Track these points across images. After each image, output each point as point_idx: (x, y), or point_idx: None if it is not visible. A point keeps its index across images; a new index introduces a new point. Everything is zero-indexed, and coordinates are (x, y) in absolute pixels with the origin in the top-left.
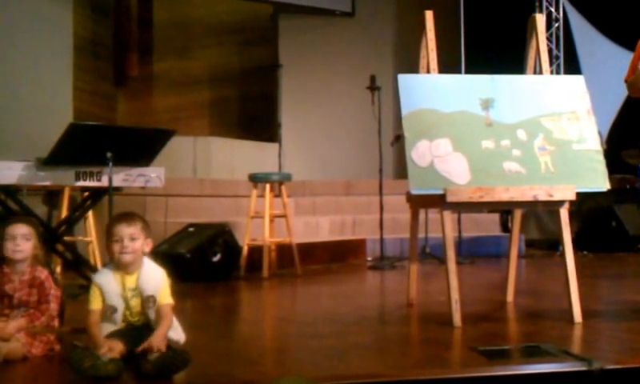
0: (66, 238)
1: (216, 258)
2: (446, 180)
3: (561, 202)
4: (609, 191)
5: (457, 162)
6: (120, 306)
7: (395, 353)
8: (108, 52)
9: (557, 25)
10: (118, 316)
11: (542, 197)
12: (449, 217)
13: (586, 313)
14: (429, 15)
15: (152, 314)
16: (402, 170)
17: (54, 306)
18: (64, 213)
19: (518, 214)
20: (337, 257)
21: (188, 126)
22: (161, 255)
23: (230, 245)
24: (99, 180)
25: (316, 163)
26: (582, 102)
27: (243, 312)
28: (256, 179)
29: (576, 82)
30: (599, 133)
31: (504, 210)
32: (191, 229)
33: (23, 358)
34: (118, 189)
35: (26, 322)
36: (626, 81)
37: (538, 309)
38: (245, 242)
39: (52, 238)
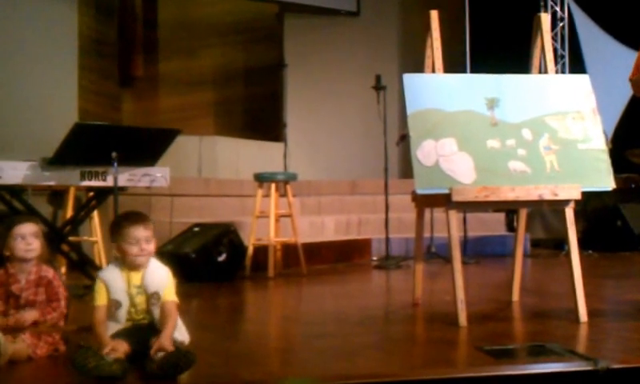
0: (71, 238)
1: (221, 258)
2: (452, 179)
3: (566, 202)
4: (614, 190)
5: (462, 162)
6: (125, 301)
7: (401, 352)
8: (113, 52)
9: (562, 24)
10: (123, 313)
11: (548, 196)
12: (454, 216)
13: (591, 312)
14: (434, 15)
15: (156, 312)
16: (407, 169)
17: (63, 304)
18: (69, 213)
19: (523, 213)
20: (342, 256)
21: (193, 125)
22: (166, 255)
23: (236, 244)
24: (104, 180)
25: (321, 163)
26: (587, 102)
27: (249, 312)
28: (261, 179)
29: (581, 81)
30: (604, 132)
31: (509, 209)
32: (196, 229)
33: (28, 358)
34: (123, 189)
35: (39, 315)
36: (630, 79)
37: (543, 308)
38: (250, 242)
39: (57, 238)
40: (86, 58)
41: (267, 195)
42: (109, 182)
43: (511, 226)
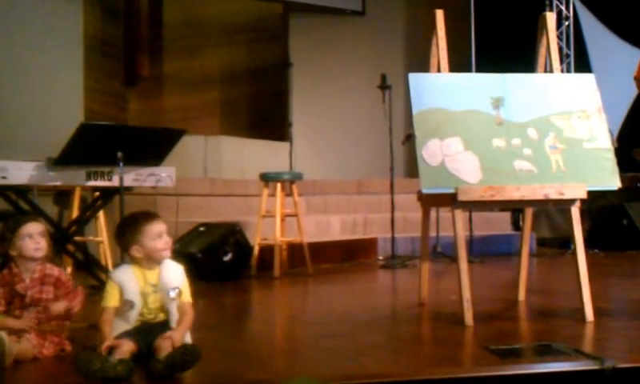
0: (77, 239)
1: (227, 258)
2: (457, 179)
3: (572, 201)
4: (620, 189)
5: (468, 161)
6: (138, 302)
7: (407, 352)
8: (118, 52)
9: (567, 23)
10: (135, 313)
11: (553, 195)
12: (460, 215)
13: (597, 311)
14: (439, 14)
15: (174, 308)
16: (413, 168)
17: (80, 290)
18: (75, 213)
19: (529, 212)
20: (348, 256)
21: (198, 125)
22: (172, 255)
23: (241, 244)
24: (110, 180)
25: (327, 162)
26: (592, 101)
27: (254, 312)
28: (267, 178)
29: (586, 80)
30: (610, 131)
31: (515, 208)
32: (202, 228)
33: (34, 358)
34: (128, 188)
35: (69, 301)
36: (635, 78)
37: (549, 307)
38: (256, 242)
39: (63, 238)
40: (92, 58)
41: (273, 195)
42: (114, 181)
43: (517, 225)
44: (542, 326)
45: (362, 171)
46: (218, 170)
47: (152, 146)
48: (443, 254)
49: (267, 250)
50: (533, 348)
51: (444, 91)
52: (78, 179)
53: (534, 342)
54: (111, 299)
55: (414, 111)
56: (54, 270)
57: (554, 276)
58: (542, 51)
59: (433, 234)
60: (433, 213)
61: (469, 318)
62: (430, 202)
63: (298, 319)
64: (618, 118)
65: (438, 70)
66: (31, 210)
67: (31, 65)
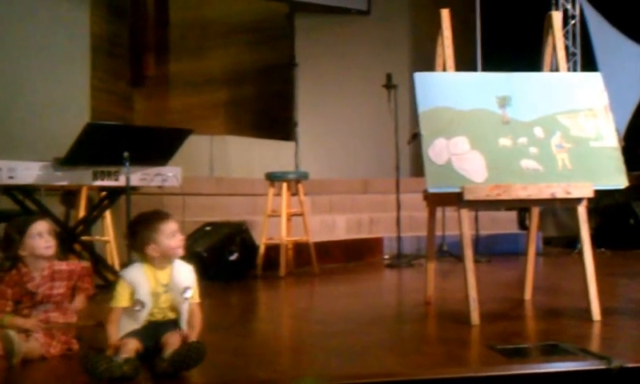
0: (84, 238)
1: (233, 257)
2: (464, 178)
3: (579, 200)
4: (626, 188)
5: (474, 160)
6: (149, 302)
7: (413, 351)
8: (125, 52)
9: (573, 22)
10: (144, 313)
11: (560, 194)
12: (466, 215)
13: (604, 311)
14: (445, 13)
15: (185, 308)
16: (418, 168)
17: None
18: (81, 213)
19: (535, 211)
20: (354, 255)
21: (204, 125)
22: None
23: (247, 243)
24: (116, 180)
25: (332, 161)
26: (599, 99)
27: (260, 311)
28: (273, 178)
29: (593, 78)
30: (616, 130)
31: (521, 207)
32: (208, 228)
33: (41, 357)
34: (135, 188)
35: (86, 295)
36: None
37: (556, 307)
38: (262, 241)
39: (70, 237)
40: (98, 58)
41: (279, 194)
42: (121, 181)
43: (523, 224)
44: (548, 325)
45: (368, 170)
46: (223, 170)
47: (158, 146)
48: (449, 253)
49: (273, 250)
50: (539, 347)
51: (450, 90)
52: (85, 179)
53: (540, 341)
54: (121, 300)
55: (420, 110)
56: (61, 265)
57: (561, 275)
58: (549, 50)
59: (439, 233)
60: (439, 212)
61: (475, 317)
62: (435, 201)
63: (303, 318)
64: (625, 116)
65: (444, 69)
66: (38, 209)
67: (37, 65)
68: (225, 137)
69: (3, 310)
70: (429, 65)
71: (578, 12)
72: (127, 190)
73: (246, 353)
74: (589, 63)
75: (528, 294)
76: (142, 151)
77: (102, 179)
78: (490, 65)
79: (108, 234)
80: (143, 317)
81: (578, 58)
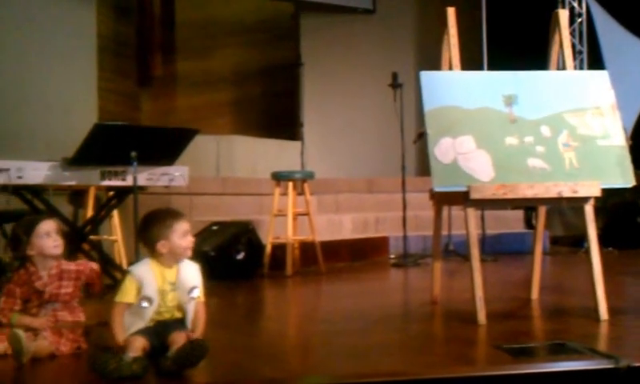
0: (92, 238)
1: (240, 256)
2: (470, 177)
3: (586, 199)
4: (634, 187)
5: (480, 159)
6: (156, 300)
7: (419, 351)
8: (131, 52)
9: (580, 20)
10: (151, 311)
11: (567, 193)
12: (472, 214)
13: (612, 310)
14: (451, 12)
15: (191, 308)
16: (424, 167)
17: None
18: (89, 212)
19: (542, 210)
20: (360, 254)
21: (211, 124)
22: None
23: (254, 243)
24: (124, 179)
25: (338, 161)
26: (606, 98)
27: (267, 310)
28: (279, 177)
29: (600, 77)
30: (624, 128)
31: (528, 206)
32: (215, 227)
33: (50, 356)
34: (142, 188)
35: (93, 287)
36: None
37: (563, 306)
38: (268, 240)
39: (78, 237)
40: (105, 58)
41: (285, 194)
42: (128, 181)
43: (530, 224)
44: (555, 324)
45: (374, 170)
46: (230, 170)
47: (165, 146)
48: (455, 252)
49: (279, 249)
50: (546, 347)
51: (456, 89)
52: (93, 179)
53: (547, 340)
54: (127, 295)
55: (426, 109)
56: (70, 265)
57: (568, 274)
58: (555, 48)
59: (445, 232)
60: (445, 211)
61: (481, 316)
62: (442, 200)
63: (310, 317)
64: (632, 114)
65: (450, 68)
66: (46, 209)
67: (44, 66)
68: (231, 136)
69: (12, 308)
70: (435, 63)
71: (584, 10)
72: (135, 190)
73: (253, 352)
74: (595, 61)
75: (535, 294)
76: (149, 151)
77: (110, 179)
78: (496, 63)
79: (116, 233)
80: (149, 314)
81: (585, 56)
